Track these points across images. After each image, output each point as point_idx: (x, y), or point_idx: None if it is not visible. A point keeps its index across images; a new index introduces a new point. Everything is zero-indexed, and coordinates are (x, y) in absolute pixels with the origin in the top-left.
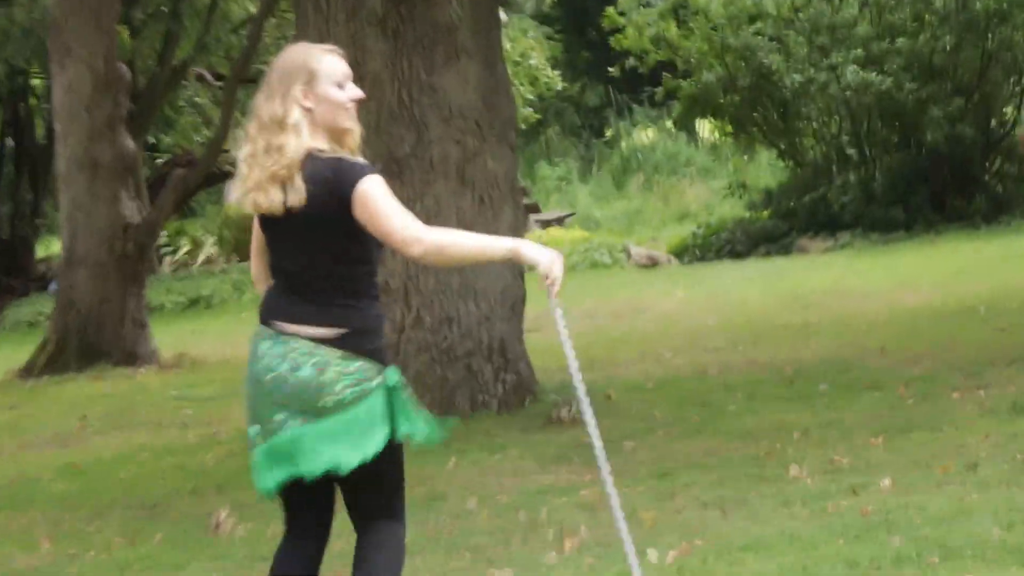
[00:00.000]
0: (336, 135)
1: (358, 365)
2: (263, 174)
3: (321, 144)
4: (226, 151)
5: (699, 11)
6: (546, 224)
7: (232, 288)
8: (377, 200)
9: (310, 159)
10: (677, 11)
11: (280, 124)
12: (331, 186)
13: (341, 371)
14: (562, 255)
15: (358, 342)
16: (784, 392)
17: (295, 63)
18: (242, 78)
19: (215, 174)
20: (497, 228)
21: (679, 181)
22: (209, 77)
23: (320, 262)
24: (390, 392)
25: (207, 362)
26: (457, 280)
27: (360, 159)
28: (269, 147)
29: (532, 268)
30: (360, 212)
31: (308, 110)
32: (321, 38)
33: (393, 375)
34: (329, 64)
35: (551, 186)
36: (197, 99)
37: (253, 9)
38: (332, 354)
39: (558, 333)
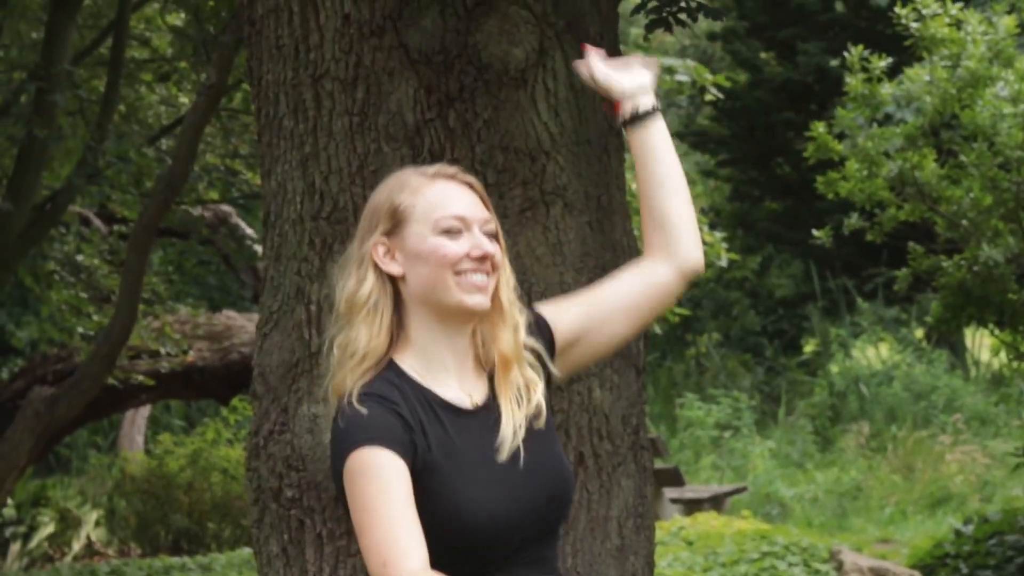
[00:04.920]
0: (449, 325)
1: None
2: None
3: (423, 344)
4: (135, 353)
5: (976, 133)
6: (692, 507)
7: None
8: (355, 498)
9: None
10: (938, 132)
11: (351, 305)
12: (332, 459)
13: None
14: None
15: None
16: None
17: (377, 199)
18: (161, 225)
19: (115, 391)
20: (606, 513)
21: (932, 438)
22: (98, 223)
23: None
24: None
25: None
26: None
27: (358, 411)
28: (344, 347)
29: None
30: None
31: (391, 277)
32: (304, 163)
33: None
34: (434, 195)
35: (704, 439)
36: (80, 257)
37: (186, 102)
38: None
39: None
